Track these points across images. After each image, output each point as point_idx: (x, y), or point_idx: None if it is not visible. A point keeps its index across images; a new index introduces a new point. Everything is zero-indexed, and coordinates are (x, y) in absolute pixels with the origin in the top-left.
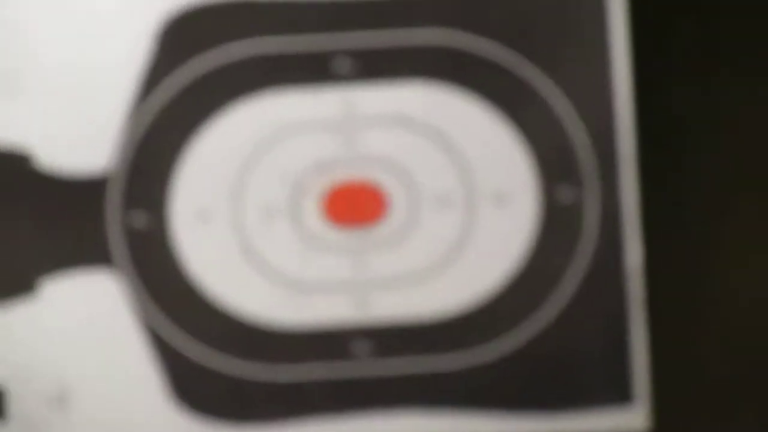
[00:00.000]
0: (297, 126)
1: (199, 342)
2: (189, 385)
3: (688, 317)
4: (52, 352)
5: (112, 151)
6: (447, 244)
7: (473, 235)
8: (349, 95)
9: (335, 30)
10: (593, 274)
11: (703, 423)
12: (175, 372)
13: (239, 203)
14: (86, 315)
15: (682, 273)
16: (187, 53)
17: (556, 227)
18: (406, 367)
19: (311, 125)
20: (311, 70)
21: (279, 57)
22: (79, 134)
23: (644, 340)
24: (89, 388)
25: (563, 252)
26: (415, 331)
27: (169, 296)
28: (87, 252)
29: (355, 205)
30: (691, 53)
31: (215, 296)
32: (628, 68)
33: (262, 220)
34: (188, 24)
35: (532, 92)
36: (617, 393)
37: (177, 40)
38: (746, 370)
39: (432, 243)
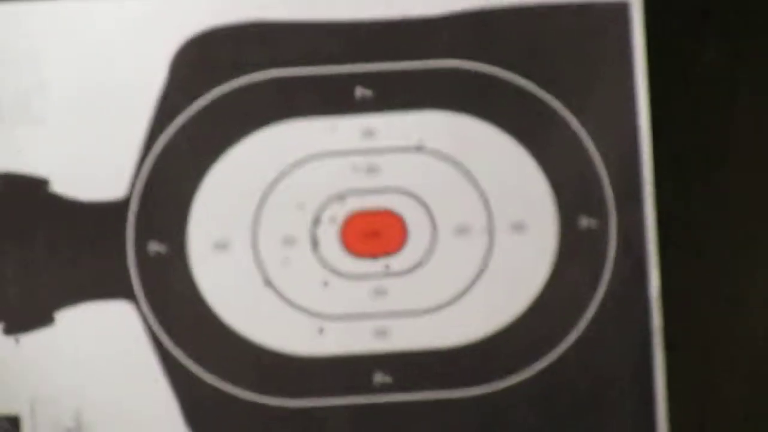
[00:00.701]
0: (316, 155)
1: (217, 372)
2: (207, 415)
3: (704, 346)
4: (69, 382)
5: (130, 180)
6: (467, 274)
7: (493, 264)
8: (369, 125)
9: (356, 61)
10: (613, 304)
11: None
12: (193, 402)
13: (258, 232)
14: (104, 345)
15: (698, 302)
16: (205, 82)
17: (576, 257)
18: (427, 397)
19: (331, 154)
20: (332, 100)
21: (299, 87)
22: (97, 162)
23: (663, 370)
24: (106, 417)
25: (583, 281)
26: (436, 360)
27: (188, 326)
28: (105, 281)
29: (374, 235)
30: (709, 81)
31: (234, 326)
32: (647, 100)
33: (280, 249)
34: (205, 53)
35: (552, 123)
36: (640, 426)
37: (194, 69)
38: (764, 400)
39: (452, 272)
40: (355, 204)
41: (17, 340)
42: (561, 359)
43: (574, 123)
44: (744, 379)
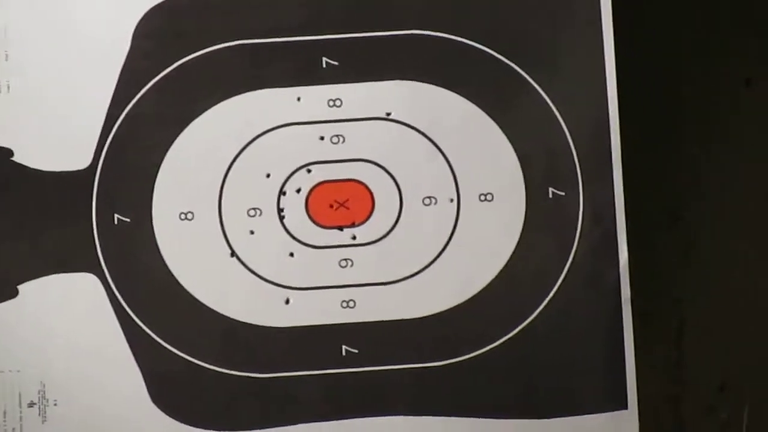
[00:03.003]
0: (282, 125)
1: (183, 344)
2: (173, 387)
3: (675, 316)
4: (33, 356)
5: (94, 150)
6: (434, 244)
7: (460, 235)
8: (335, 94)
9: (322, 31)
10: (582, 275)
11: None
12: (158, 374)
13: (223, 203)
14: (68, 317)
15: (669, 272)
16: (169, 52)
17: (544, 228)
18: (395, 368)
19: (296, 124)
20: (297, 70)
21: (265, 56)
22: (61, 132)
23: (632, 339)
24: (70, 391)
25: (551, 252)
26: (404, 331)
27: (153, 298)
28: (69, 253)
29: (340, 205)
30: (680, 50)
31: (199, 297)
32: (615, 71)
33: (246, 220)
34: (169, 21)
35: (521, 94)
36: (611, 398)
37: (158, 38)
38: (735, 367)
39: (419, 242)
40: (321, 174)
41: None
42: (530, 329)
43: (542, 95)
44: (715, 349)
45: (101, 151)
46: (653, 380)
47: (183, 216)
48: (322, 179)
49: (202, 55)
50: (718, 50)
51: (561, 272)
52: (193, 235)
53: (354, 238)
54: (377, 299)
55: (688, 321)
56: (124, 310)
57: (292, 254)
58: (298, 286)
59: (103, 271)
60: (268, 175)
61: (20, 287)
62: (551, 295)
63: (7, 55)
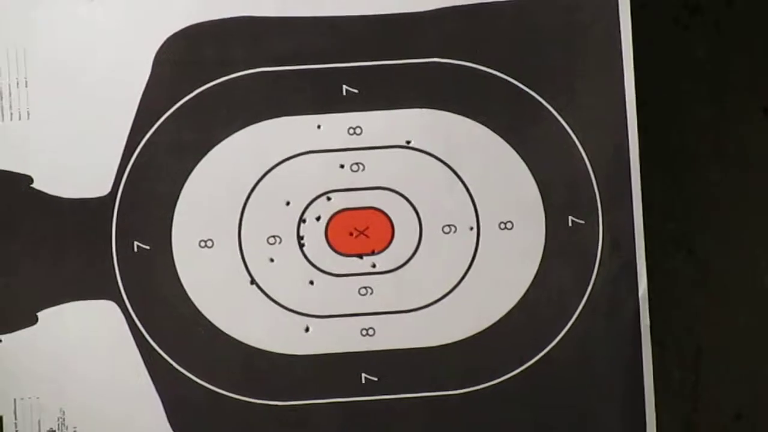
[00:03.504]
0: (302, 153)
1: (202, 371)
2: (192, 414)
3: (693, 344)
4: (53, 383)
5: (114, 177)
6: (453, 272)
7: (479, 263)
8: (355, 122)
9: (343, 58)
10: (601, 303)
11: None
12: (178, 401)
13: (243, 230)
14: (87, 344)
15: (687, 300)
16: (190, 79)
17: (564, 256)
18: (414, 396)
19: (317, 152)
20: (318, 97)
21: (285, 84)
22: (80, 159)
23: (651, 368)
24: (89, 418)
25: (570, 281)
26: (423, 360)
27: (172, 325)
28: (88, 280)
29: (360, 233)
30: (699, 78)
31: (219, 324)
32: (635, 99)
33: (266, 247)
34: (190, 49)
35: (540, 122)
36: (630, 427)
37: (179, 65)
38: (753, 397)
39: (438, 271)
40: (341, 202)
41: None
42: (548, 358)
43: (562, 122)
44: (733, 377)
45: (121, 178)
46: (670, 408)
47: (203, 243)
48: (341, 207)
49: (222, 82)
50: (736, 78)
51: (580, 301)
52: (213, 263)
53: (374, 266)
54: (397, 327)
55: (706, 349)
56: (144, 337)
57: (311, 282)
58: (317, 313)
59: (122, 298)
60: (287, 203)
61: (40, 314)
62: (570, 323)
63: (26, 82)
